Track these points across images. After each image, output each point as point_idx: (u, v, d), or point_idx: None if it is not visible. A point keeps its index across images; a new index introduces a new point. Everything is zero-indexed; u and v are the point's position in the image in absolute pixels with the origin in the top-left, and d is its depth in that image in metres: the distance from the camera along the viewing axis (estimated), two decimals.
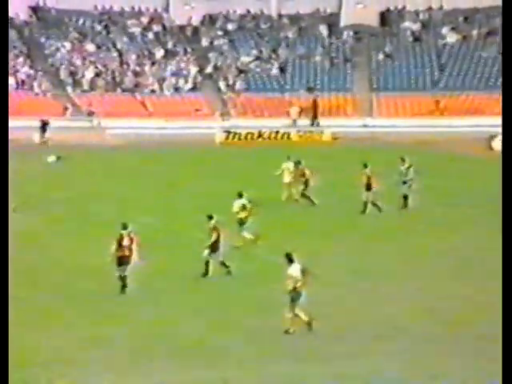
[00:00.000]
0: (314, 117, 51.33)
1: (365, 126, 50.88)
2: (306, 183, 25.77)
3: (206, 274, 17.78)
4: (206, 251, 17.70)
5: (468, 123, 48.12)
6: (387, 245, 21.33)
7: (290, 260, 14.17)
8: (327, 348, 13.76)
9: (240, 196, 20.97)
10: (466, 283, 17.69)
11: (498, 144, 42.07)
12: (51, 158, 36.77)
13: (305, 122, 50.96)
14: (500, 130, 40.22)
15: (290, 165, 26.46)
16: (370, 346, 13.83)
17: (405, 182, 25.13)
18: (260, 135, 48.65)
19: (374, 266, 19.07)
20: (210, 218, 17.88)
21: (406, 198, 25.29)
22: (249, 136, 48.73)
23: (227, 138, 48.70)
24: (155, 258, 18.81)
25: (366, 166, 25.06)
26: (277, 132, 48.93)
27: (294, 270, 14.03)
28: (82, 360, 13.33)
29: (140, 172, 36.02)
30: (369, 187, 24.60)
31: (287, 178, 26.27)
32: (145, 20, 59.44)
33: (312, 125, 50.78)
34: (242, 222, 20.72)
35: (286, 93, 54.61)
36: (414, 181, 25.15)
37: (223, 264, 17.80)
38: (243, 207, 20.70)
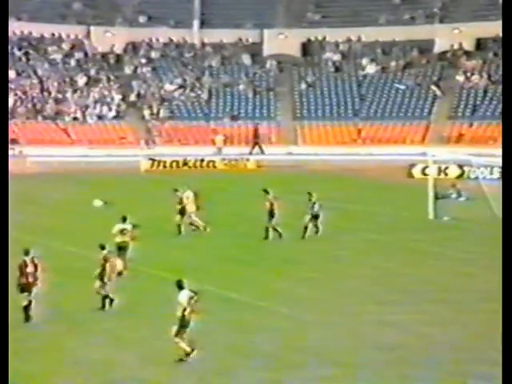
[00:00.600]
0: (256, 144, 51.54)
1: (289, 153, 51.47)
2: (183, 211, 25.65)
3: (103, 307, 17.25)
4: (97, 283, 17.22)
5: (388, 152, 49.28)
6: (305, 270, 21.45)
7: (180, 287, 14.18)
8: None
9: (124, 220, 20.44)
10: (388, 308, 17.94)
11: (417, 172, 43.37)
12: (98, 203, 32.68)
13: (231, 150, 51.12)
14: (419, 158, 41.58)
15: (190, 194, 26.27)
16: (291, 373, 13.86)
17: (313, 216, 25.39)
18: (185, 163, 48.62)
19: (290, 291, 19.16)
20: (102, 248, 17.38)
21: (316, 227, 25.52)
22: (174, 164, 48.63)
23: (152, 165, 48.50)
24: (66, 286, 18.42)
25: (267, 192, 25.29)
26: (202, 160, 49.01)
27: (182, 296, 14.08)
28: None
29: (60, 199, 35.43)
30: (271, 214, 24.85)
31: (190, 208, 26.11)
32: (66, 47, 58.85)
33: (250, 153, 50.79)
34: (120, 247, 20.08)
35: (210, 121, 54.85)
36: (318, 213, 25.41)
37: (107, 296, 17.27)
38: (121, 232, 20.18)
